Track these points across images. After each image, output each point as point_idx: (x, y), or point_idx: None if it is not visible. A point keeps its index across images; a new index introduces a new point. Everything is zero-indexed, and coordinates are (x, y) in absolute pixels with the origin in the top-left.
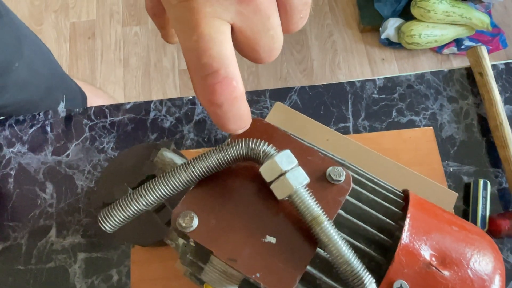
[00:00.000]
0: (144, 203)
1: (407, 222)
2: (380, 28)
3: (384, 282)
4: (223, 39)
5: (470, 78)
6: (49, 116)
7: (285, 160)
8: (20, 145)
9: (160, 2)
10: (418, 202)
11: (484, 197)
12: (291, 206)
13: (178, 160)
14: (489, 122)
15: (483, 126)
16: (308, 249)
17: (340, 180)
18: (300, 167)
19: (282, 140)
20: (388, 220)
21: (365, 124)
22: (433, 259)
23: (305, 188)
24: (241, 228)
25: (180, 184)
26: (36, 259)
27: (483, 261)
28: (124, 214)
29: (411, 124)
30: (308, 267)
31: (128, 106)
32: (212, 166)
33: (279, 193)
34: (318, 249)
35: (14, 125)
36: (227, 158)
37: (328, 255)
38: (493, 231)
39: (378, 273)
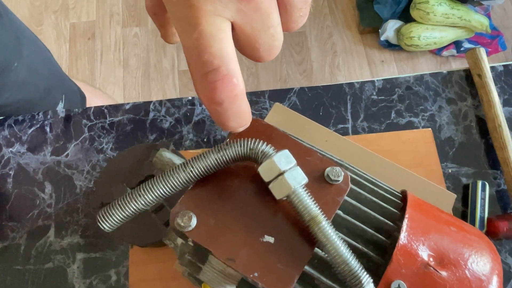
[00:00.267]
0: (143, 202)
1: (405, 222)
2: (379, 30)
3: (382, 282)
4: (223, 37)
5: (469, 80)
6: (49, 116)
7: (284, 160)
8: (19, 145)
9: (160, 1)
10: (416, 203)
11: (483, 199)
12: (289, 206)
13: (177, 161)
14: (488, 123)
15: (482, 128)
16: (306, 249)
17: (338, 180)
18: (298, 167)
19: (280, 140)
20: (386, 220)
21: (364, 125)
22: (431, 259)
23: (303, 188)
24: (240, 227)
25: (179, 183)
26: (35, 259)
27: (480, 262)
28: (123, 213)
29: (410, 126)
30: (306, 267)
31: (127, 107)
32: (211, 165)
33: (278, 192)
34: (316, 249)
35: (13, 125)
36: (225, 158)
37: (326, 255)
38: (491, 232)
39: (376, 274)
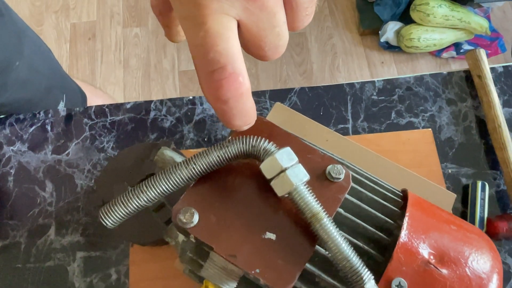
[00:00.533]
0: (146, 199)
1: (405, 220)
2: (379, 32)
3: (382, 280)
4: (229, 35)
5: (469, 81)
6: (50, 115)
7: (286, 157)
8: (20, 144)
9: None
10: (417, 202)
11: (482, 199)
12: (291, 203)
13: (178, 159)
14: (488, 124)
15: (482, 129)
16: (307, 246)
17: (339, 178)
18: (300, 164)
19: (282, 138)
20: (387, 218)
21: (364, 125)
22: (432, 257)
23: (305, 185)
24: (241, 224)
25: (181, 180)
26: (35, 258)
27: (481, 260)
28: (125, 209)
29: (410, 126)
30: (307, 265)
31: (128, 106)
32: (213, 163)
33: (279, 189)
34: (317, 247)
35: (14, 123)
36: (227, 155)
37: (327, 252)
38: (491, 233)
39: (377, 271)
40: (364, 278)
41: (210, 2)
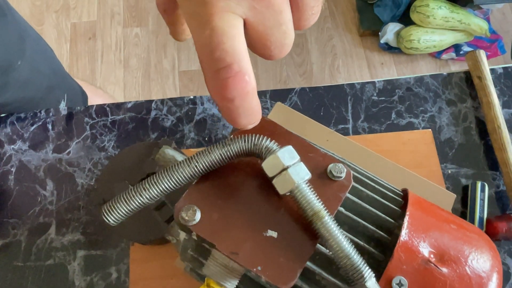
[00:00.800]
0: (148, 196)
1: (406, 220)
2: (379, 33)
3: (383, 278)
4: (235, 34)
5: (469, 82)
6: (51, 114)
7: (287, 155)
8: (21, 142)
9: None
10: (417, 201)
11: (482, 200)
12: (292, 201)
13: (180, 158)
14: (487, 125)
15: (481, 129)
16: (309, 244)
17: (341, 177)
18: (302, 162)
19: (283, 136)
20: (387, 217)
21: (364, 126)
22: (432, 256)
23: (306, 183)
24: (243, 222)
25: (183, 178)
26: (35, 256)
27: (481, 259)
28: (128, 207)
29: (410, 127)
30: (308, 263)
31: (129, 105)
32: (215, 161)
33: (281, 188)
34: (318, 245)
35: (15, 122)
36: (230, 153)
37: (329, 250)
38: (490, 233)
39: (377, 270)
40: (365, 276)
41: (216, 0)
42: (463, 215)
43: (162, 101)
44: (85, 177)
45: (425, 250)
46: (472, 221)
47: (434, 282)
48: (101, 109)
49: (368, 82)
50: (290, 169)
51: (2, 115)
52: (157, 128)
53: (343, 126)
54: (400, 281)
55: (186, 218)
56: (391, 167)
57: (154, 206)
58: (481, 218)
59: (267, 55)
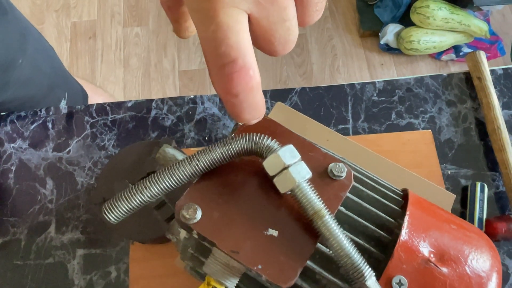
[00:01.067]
0: (149, 194)
1: (406, 219)
2: (379, 33)
3: (383, 278)
4: (240, 29)
5: (469, 83)
6: (51, 113)
7: (288, 154)
8: (21, 141)
9: None
10: (417, 201)
11: (481, 200)
12: (293, 200)
13: (180, 157)
14: (487, 126)
15: (481, 130)
16: (309, 243)
17: (341, 176)
18: (303, 161)
19: (284, 136)
20: (387, 217)
21: (364, 126)
22: (432, 255)
23: (307, 182)
24: (244, 221)
25: (185, 176)
26: (35, 255)
27: (480, 259)
28: (129, 205)
29: (410, 127)
30: (308, 262)
31: (129, 104)
32: (216, 159)
33: (282, 186)
34: (318, 245)
35: (15, 120)
36: (231, 152)
37: (329, 249)
38: (489, 234)
39: (377, 269)
40: (365, 275)
41: None
42: (462, 216)
43: (162, 100)
44: (85, 176)
45: (425, 249)
46: (471, 221)
47: (434, 282)
48: (102, 108)
49: (368, 83)
50: (291, 168)
51: (3, 113)
52: (157, 127)
53: (343, 126)
54: (400, 280)
55: (187, 216)
56: (391, 167)
57: (154, 205)
58: (480, 219)
59: (271, 51)
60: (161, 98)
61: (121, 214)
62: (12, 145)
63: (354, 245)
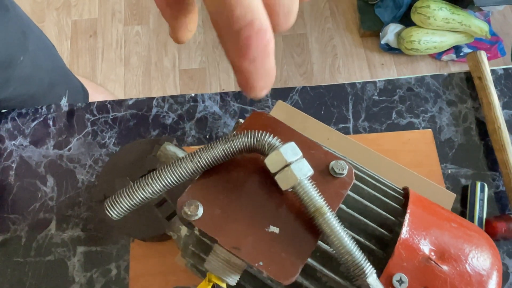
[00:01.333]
0: (151, 191)
1: (407, 217)
2: (380, 33)
3: (384, 275)
4: None
5: (469, 82)
6: (52, 110)
7: (290, 151)
8: (22, 138)
9: None
10: (418, 199)
11: (481, 200)
12: (294, 197)
13: (181, 155)
14: (487, 125)
15: (481, 130)
16: (310, 240)
17: (342, 174)
18: (304, 159)
19: (286, 133)
20: (388, 215)
21: (365, 125)
22: (432, 253)
23: (309, 180)
24: (245, 218)
25: (186, 173)
26: (35, 252)
27: (481, 257)
28: (131, 201)
29: (410, 126)
30: (309, 260)
31: (130, 102)
32: (218, 156)
33: (283, 184)
34: (319, 242)
35: (16, 118)
36: (232, 149)
37: (330, 246)
38: (489, 233)
39: (378, 267)
40: (366, 272)
41: None
42: (462, 215)
43: (163, 98)
44: (86, 173)
45: (425, 247)
46: (471, 221)
47: (434, 280)
48: (102, 106)
49: (369, 82)
50: (293, 165)
51: (3, 110)
52: (158, 125)
53: (343, 125)
54: (400, 278)
55: (189, 213)
56: (391, 166)
57: (155, 202)
58: (480, 218)
59: (274, 25)
60: (162, 96)
61: (123, 211)
62: (13, 142)
63: (355, 243)
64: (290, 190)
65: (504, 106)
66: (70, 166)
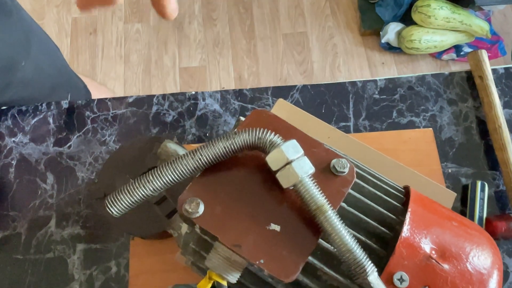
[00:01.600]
0: (151, 188)
1: (408, 216)
2: (380, 32)
3: (384, 273)
4: None
5: (470, 82)
6: (52, 108)
7: (292, 149)
8: (22, 135)
9: None
10: (419, 198)
11: (482, 199)
12: (295, 195)
13: (182, 152)
14: (488, 125)
15: (482, 129)
16: (311, 238)
17: (344, 172)
18: (305, 157)
19: (287, 131)
20: (389, 214)
21: (365, 124)
22: (433, 252)
23: (310, 177)
24: (246, 215)
25: (187, 170)
26: (35, 249)
27: (482, 256)
28: (131, 198)
29: (411, 125)
30: (310, 258)
31: (130, 100)
32: (219, 154)
33: (285, 181)
34: (320, 241)
35: (16, 115)
36: (234, 146)
37: (331, 244)
38: (489, 232)
39: (379, 265)
40: (367, 270)
41: None
42: (462, 214)
43: (163, 96)
44: (86, 171)
45: (426, 246)
46: (471, 220)
47: (435, 278)
48: (102, 103)
49: (369, 81)
50: (294, 163)
51: (3, 107)
52: (158, 123)
53: (344, 124)
54: (401, 276)
55: (190, 210)
56: (392, 165)
57: (155, 200)
58: (480, 217)
59: (163, 13)
60: (162, 94)
61: (123, 208)
62: (13, 139)
63: (356, 241)
64: (291, 188)
65: (505, 105)
66: (70, 164)
